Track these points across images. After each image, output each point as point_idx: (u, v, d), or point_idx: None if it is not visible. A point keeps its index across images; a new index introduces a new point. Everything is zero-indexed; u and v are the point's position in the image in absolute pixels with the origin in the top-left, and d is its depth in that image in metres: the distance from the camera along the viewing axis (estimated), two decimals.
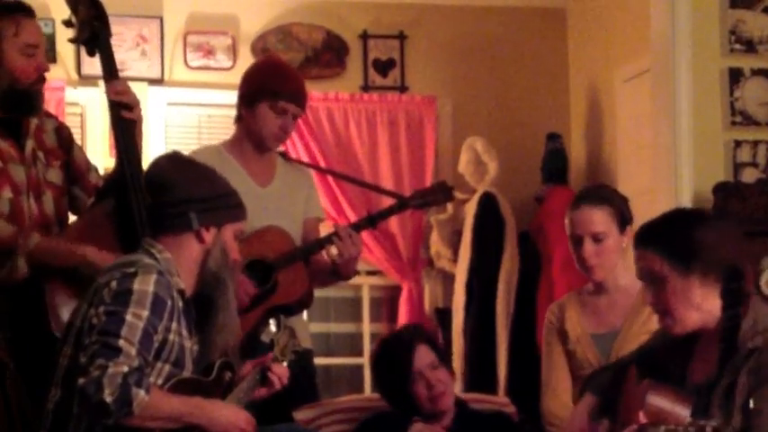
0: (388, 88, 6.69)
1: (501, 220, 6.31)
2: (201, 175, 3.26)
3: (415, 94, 6.67)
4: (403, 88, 6.70)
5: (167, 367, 3.09)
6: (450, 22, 6.77)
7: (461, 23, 6.78)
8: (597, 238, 3.75)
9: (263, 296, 3.96)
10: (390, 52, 6.72)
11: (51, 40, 5.90)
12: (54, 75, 5.70)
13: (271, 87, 4.07)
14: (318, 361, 4.55)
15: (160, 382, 3.06)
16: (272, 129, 4.08)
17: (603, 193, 3.88)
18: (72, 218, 3.88)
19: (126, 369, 2.91)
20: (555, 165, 6.43)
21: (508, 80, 6.81)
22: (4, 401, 3.40)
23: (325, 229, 4.28)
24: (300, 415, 3.88)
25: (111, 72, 3.78)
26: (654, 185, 5.23)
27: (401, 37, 6.72)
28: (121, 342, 2.95)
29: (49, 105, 4.96)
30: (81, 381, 2.91)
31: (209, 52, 6.50)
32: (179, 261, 3.17)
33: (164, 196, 3.19)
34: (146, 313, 3.00)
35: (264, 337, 3.83)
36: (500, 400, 4.28)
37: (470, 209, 6.36)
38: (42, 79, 3.71)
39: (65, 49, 6.03)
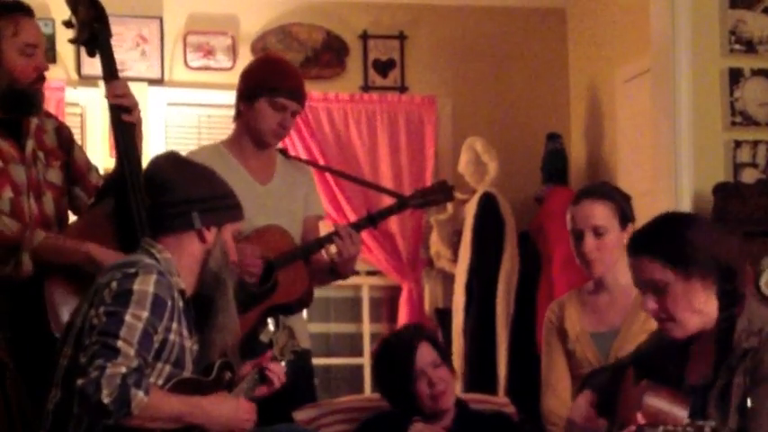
0: (388, 88, 6.69)
1: (501, 220, 6.31)
2: (201, 175, 3.27)
3: (415, 95, 6.67)
4: (403, 88, 6.70)
5: (168, 367, 3.09)
6: (450, 22, 6.78)
7: (461, 23, 6.78)
8: (598, 232, 3.75)
9: (264, 295, 3.96)
10: (390, 52, 6.72)
11: (51, 40, 5.90)
12: (54, 75, 5.71)
13: (270, 84, 4.07)
14: (318, 361, 4.56)
15: (160, 382, 3.07)
16: (270, 125, 4.08)
17: (605, 189, 3.89)
18: (72, 218, 3.88)
19: (124, 370, 2.91)
20: (555, 165, 6.43)
21: (508, 80, 6.81)
22: (4, 401, 3.40)
23: (324, 229, 4.28)
24: (300, 415, 3.89)
25: (111, 73, 3.78)
26: (654, 186, 5.22)
27: (401, 37, 6.72)
28: (120, 343, 2.95)
29: (49, 106, 4.96)
30: (80, 381, 2.91)
31: (209, 52, 6.50)
32: (180, 261, 3.18)
33: (164, 196, 3.19)
34: (145, 314, 3.00)
35: (263, 337, 3.83)
36: (500, 401, 4.28)
37: (470, 209, 6.36)
38: (42, 79, 3.71)
39: (65, 49, 6.03)
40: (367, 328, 6.71)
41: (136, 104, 3.78)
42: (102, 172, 4.02)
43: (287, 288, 4.02)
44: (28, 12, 3.69)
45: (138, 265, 3.08)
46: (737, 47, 5.12)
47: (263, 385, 3.28)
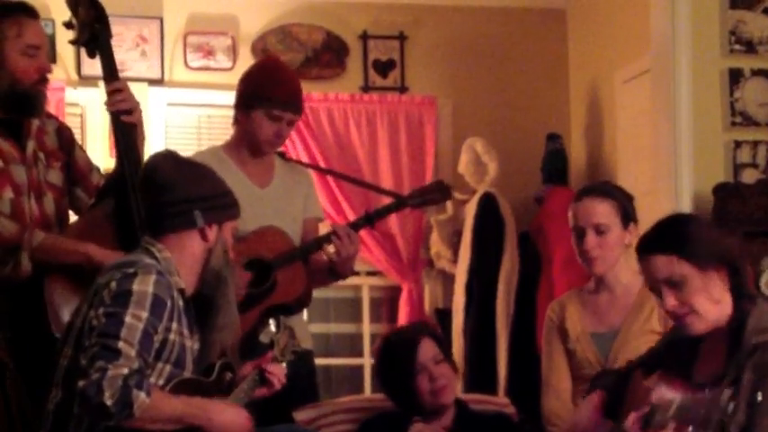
0: (388, 89, 6.69)
1: (501, 220, 6.31)
2: (200, 174, 3.27)
3: (415, 95, 6.67)
4: (403, 89, 6.70)
5: (168, 367, 3.09)
6: (450, 23, 6.78)
7: (461, 23, 6.78)
8: (599, 230, 3.75)
9: (263, 295, 3.96)
10: (390, 53, 6.72)
11: (51, 40, 5.89)
12: (54, 75, 5.64)
13: (266, 94, 4.07)
14: (318, 361, 4.55)
15: (161, 382, 3.07)
16: (267, 135, 4.08)
17: (608, 188, 3.90)
18: (73, 218, 3.88)
19: (126, 371, 2.91)
20: (555, 165, 6.42)
21: (508, 80, 6.81)
22: (4, 401, 3.40)
23: (324, 230, 4.28)
24: (300, 415, 3.89)
25: (111, 73, 3.79)
26: (654, 186, 5.22)
27: (401, 37, 6.72)
28: (121, 344, 2.95)
29: (49, 106, 4.91)
30: (81, 383, 2.91)
31: (209, 53, 6.50)
32: (181, 260, 3.17)
33: (165, 195, 3.19)
34: (145, 314, 3.00)
35: (264, 338, 3.83)
36: (500, 401, 4.28)
37: (470, 209, 6.36)
38: (44, 80, 3.71)
39: (65, 49, 6.02)
40: (367, 328, 6.71)
41: (137, 105, 3.78)
42: (102, 172, 4.03)
43: (286, 288, 4.02)
44: (32, 13, 3.69)
45: (138, 266, 3.08)
46: (737, 47, 5.12)
47: (262, 387, 3.28)
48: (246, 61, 6.13)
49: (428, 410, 3.72)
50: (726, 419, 2.61)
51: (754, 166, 5.08)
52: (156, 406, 2.95)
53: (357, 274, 6.35)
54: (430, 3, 6.76)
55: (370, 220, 4.17)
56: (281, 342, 3.39)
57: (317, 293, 4.27)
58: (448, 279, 6.54)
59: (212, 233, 3.20)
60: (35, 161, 3.71)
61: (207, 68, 6.49)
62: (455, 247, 6.43)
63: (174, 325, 3.09)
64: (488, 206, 6.31)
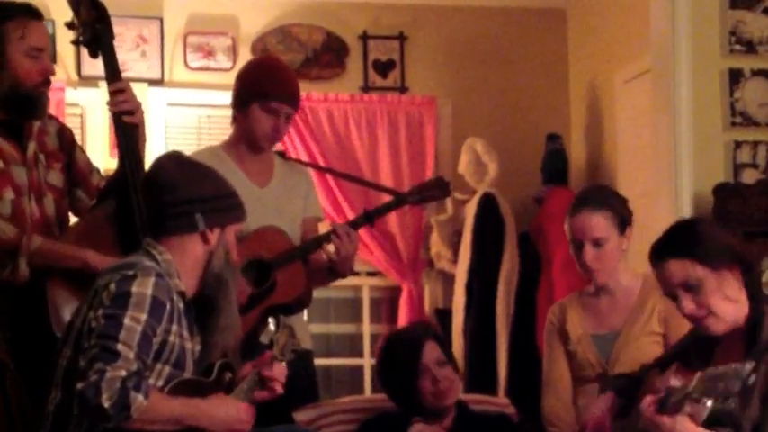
0: (388, 89, 6.69)
1: (501, 220, 6.31)
2: (204, 176, 3.25)
3: (415, 95, 6.67)
4: (403, 89, 6.70)
5: (167, 368, 3.08)
6: (450, 23, 6.78)
7: (461, 24, 6.78)
8: (598, 243, 3.75)
9: (262, 296, 3.96)
10: (390, 53, 6.72)
11: (51, 40, 5.87)
12: (54, 76, 5.69)
13: (261, 88, 4.07)
14: (318, 362, 4.55)
15: (160, 383, 3.06)
16: (264, 129, 4.08)
17: (602, 197, 3.86)
18: (74, 219, 3.88)
19: (124, 373, 2.91)
20: (555, 165, 6.42)
21: (508, 80, 6.81)
22: (4, 402, 3.39)
23: (323, 229, 4.28)
24: (300, 416, 3.89)
25: (113, 73, 3.78)
26: (654, 186, 5.22)
27: (401, 38, 6.72)
28: (120, 346, 2.94)
29: (49, 106, 4.95)
30: (79, 385, 2.90)
31: (209, 53, 6.50)
32: (182, 262, 3.17)
33: (167, 197, 3.18)
34: (144, 316, 2.99)
35: (264, 338, 3.83)
36: (500, 401, 4.28)
37: (470, 210, 6.36)
38: (47, 82, 3.71)
39: (65, 49, 6.03)
40: (367, 328, 6.71)
41: (138, 106, 3.78)
42: (102, 173, 4.02)
43: (285, 288, 4.01)
44: (36, 15, 3.69)
45: (137, 267, 3.07)
46: (737, 47, 5.12)
47: (262, 389, 3.27)
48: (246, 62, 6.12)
49: (429, 411, 3.73)
50: (748, 386, 2.61)
51: (754, 166, 5.08)
52: (154, 408, 2.95)
53: (357, 274, 6.36)
54: (430, 3, 6.76)
55: (370, 218, 4.17)
56: (281, 341, 3.38)
57: (317, 293, 4.27)
58: (448, 279, 6.54)
59: (213, 236, 3.19)
60: (36, 162, 3.70)
61: (207, 69, 6.49)
62: (455, 248, 6.43)
63: (174, 327, 3.09)
64: (488, 206, 6.31)
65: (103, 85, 3.91)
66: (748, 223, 4.81)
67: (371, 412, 3.89)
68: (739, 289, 3.00)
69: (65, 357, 3.08)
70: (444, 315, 6.49)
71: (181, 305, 3.13)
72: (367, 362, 6.62)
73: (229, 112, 4.23)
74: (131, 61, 6.31)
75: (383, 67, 6.72)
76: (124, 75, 3.86)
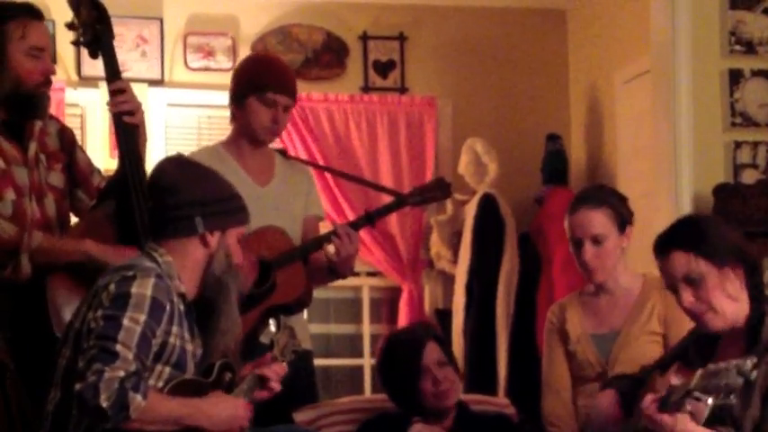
0: (389, 89, 6.69)
1: (501, 221, 6.31)
2: (206, 179, 3.25)
3: (415, 95, 6.67)
4: (403, 89, 6.70)
5: (167, 369, 3.08)
6: (450, 23, 6.78)
7: (461, 24, 6.78)
8: (597, 241, 3.75)
9: (262, 296, 3.96)
10: (390, 53, 6.72)
11: (52, 40, 5.88)
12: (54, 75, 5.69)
13: (257, 81, 4.06)
14: (318, 362, 4.55)
15: (160, 384, 3.06)
16: (263, 121, 4.07)
17: (602, 195, 3.87)
18: (74, 220, 3.88)
19: (122, 374, 2.91)
20: (555, 166, 6.42)
21: (508, 81, 6.81)
22: (4, 402, 3.39)
23: (324, 230, 4.28)
24: (300, 416, 3.89)
25: (114, 74, 3.78)
26: (654, 187, 5.22)
27: (401, 38, 6.73)
28: (119, 347, 2.94)
29: (50, 106, 4.96)
30: (78, 386, 2.90)
31: (209, 53, 6.50)
32: (182, 265, 3.17)
33: (168, 199, 3.18)
34: (143, 317, 2.99)
35: (264, 339, 3.83)
36: (500, 402, 4.28)
37: (470, 210, 6.36)
38: (48, 83, 3.71)
39: (65, 50, 6.03)
40: (367, 329, 6.71)
41: (139, 106, 3.78)
42: (102, 173, 4.02)
43: (286, 288, 4.01)
44: (37, 15, 3.69)
45: (137, 269, 3.07)
46: (737, 47, 5.12)
47: (262, 390, 3.27)
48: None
49: (430, 412, 3.73)
50: (750, 382, 2.61)
51: (754, 166, 5.08)
52: (152, 408, 2.95)
53: (357, 274, 6.35)
54: (430, 3, 6.76)
55: (371, 219, 4.17)
56: (281, 341, 3.38)
57: (317, 294, 4.27)
58: (448, 279, 6.54)
59: (214, 239, 3.19)
60: (37, 163, 3.70)
61: (207, 69, 6.49)
62: (455, 248, 6.43)
63: (175, 328, 3.09)
64: (488, 207, 6.31)
65: (103, 85, 3.91)
66: (748, 223, 4.81)
67: (371, 412, 3.89)
68: (741, 288, 3.00)
69: (64, 357, 3.08)
70: (444, 315, 6.49)
71: (181, 307, 3.13)
72: (367, 362, 6.62)
73: (229, 112, 4.23)
74: (131, 61, 6.31)
75: (383, 68, 6.72)
76: (124, 75, 3.86)
